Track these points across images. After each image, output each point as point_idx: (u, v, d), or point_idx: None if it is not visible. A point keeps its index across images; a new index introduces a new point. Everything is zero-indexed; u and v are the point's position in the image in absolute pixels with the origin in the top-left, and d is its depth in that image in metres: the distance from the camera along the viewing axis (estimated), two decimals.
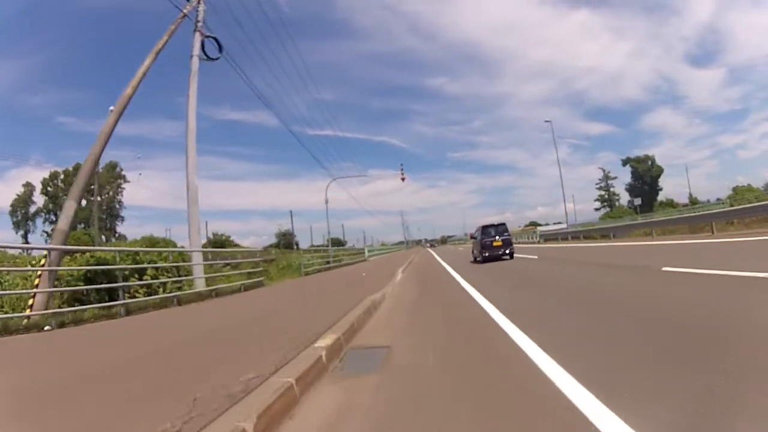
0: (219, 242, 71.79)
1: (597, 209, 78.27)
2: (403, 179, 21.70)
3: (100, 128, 9.22)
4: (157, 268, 8.75)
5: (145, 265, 8.57)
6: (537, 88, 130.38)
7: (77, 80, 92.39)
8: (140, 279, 8.36)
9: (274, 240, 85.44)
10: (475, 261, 17.03)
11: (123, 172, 72.33)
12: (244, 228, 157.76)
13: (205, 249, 19.03)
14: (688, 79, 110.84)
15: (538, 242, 35.97)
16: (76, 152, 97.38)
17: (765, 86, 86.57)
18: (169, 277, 9.01)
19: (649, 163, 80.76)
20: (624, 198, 79.79)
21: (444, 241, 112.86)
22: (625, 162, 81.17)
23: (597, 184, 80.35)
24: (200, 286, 9.40)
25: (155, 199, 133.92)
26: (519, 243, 41.15)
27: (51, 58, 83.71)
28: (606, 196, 78.97)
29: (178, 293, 8.63)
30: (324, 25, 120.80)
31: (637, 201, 62.42)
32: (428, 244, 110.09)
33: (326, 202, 21.87)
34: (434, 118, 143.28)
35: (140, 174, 74.65)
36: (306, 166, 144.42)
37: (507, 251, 15.74)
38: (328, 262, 20.64)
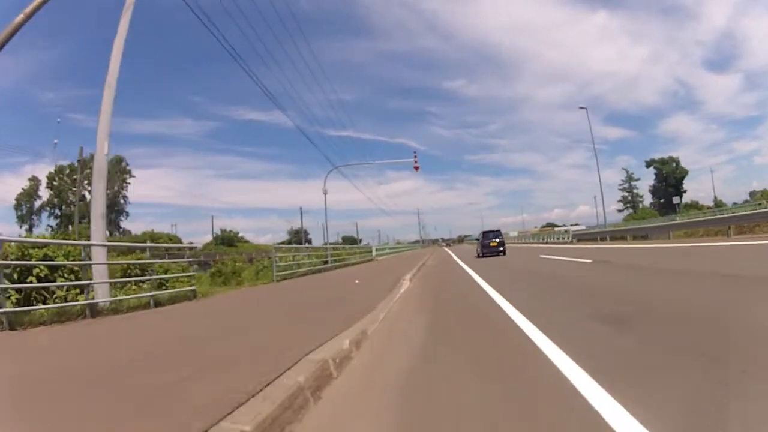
0: (227, 239, 69.80)
1: (620, 211, 74.31)
2: (416, 168, 18.83)
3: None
4: (52, 267, 5.98)
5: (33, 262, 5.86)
6: (554, 91, 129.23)
7: (87, 76, 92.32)
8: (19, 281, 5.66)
9: (288, 237, 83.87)
10: (478, 256, 21.12)
11: (128, 167, 70.98)
12: (260, 226, 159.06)
13: (112, 243, 15.56)
14: (705, 84, 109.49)
15: (571, 242, 32.33)
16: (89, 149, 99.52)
17: None
18: (69, 280, 6.22)
19: (674, 164, 76.89)
20: (647, 200, 75.93)
21: (461, 240, 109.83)
22: (649, 163, 77.41)
23: (620, 185, 76.40)
24: (102, 295, 6.50)
25: (173, 197, 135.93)
26: (549, 243, 38.12)
27: (63, 53, 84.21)
28: (629, 198, 74.94)
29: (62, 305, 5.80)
30: (342, 22, 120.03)
31: (676, 199, 58.61)
32: (444, 243, 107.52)
33: (324, 193, 18.92)
34: (451, 121, 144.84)
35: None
36: (323, 165, 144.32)
37: (501, 249, 20.83)
38: (325, 262, 17.60)
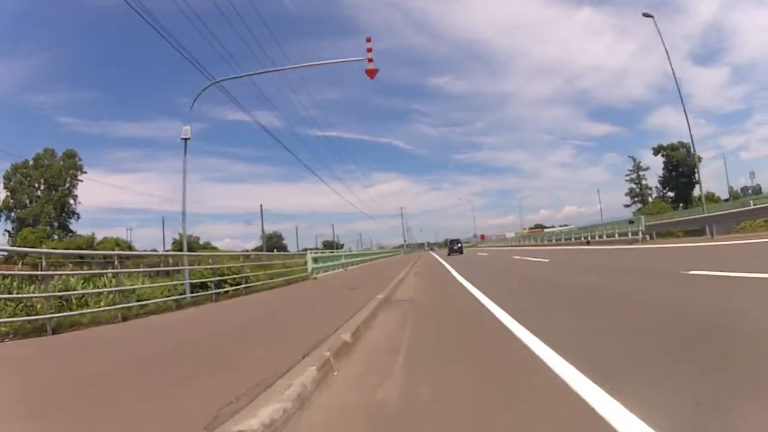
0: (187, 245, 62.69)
1: (627, 205, 67.39)
2: (371, 71, 12.00)
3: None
4: None
5: None
6: (541, 86, 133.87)
7: (79, 80, 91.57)
8: None
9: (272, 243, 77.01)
10: (448, 255, 37.04)
11: (81, 162, 63.30)
12: (245, 231, 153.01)
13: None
14: (692, 77, 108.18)
15: (642, 240, 22.95)
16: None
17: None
18: None
19: (684, 151, 69.82)
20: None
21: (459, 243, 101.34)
22: (656, 150, 70.25)
23: (627, 175, 69.46)
24: None
25: (157, 203, 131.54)
26: (565, 244, 29.26)
27: (53, 57, 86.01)
28: (637, 190, 67.91)
29: None
30: (329, 22, 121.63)
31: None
32: (429, 248, 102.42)
33: (185, 138, 10.66)
34: (438, 119, 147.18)
35: None
36: (307, 168, 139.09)
37: (461, 250, 40.33)
38: (182, 294, 9.17)
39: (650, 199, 63.97)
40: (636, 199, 66.82)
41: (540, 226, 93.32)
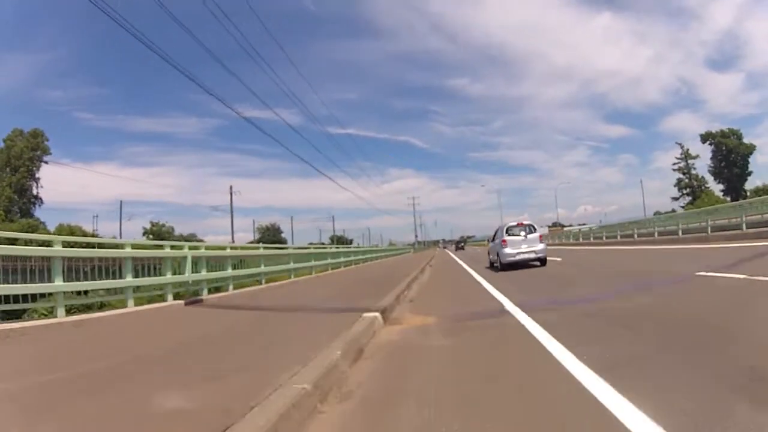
0: (158, 234, 55.30)
1: (675, 198, 57.95)
2: None
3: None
4: None
5: None
6: (558, 90, 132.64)
7: (95, 76, 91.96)
8: None
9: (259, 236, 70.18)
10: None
11: (47, 142, 56.23)
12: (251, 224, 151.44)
13: None
14: (708, 83, 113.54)
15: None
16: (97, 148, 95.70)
17: None
18: None
19: (735, 138, 60.13)
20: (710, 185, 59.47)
21: (464, 241, 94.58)
22: (705, 137, 60.65)
23: (674, 164, 59.93)
24: None
25: (174, 195, 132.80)
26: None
27: (68, 52, 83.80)
28: (686, 181, 58.31)
29: None
30: (348, 23, 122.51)
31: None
32: (442, 245, 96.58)
33: None
34: (455, 119, 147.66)
35: None
36: (325, 164, 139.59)
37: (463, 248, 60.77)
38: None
39: (705, 190, 54.18)
40: (685, 191, 57.22)
41: (558, 225, 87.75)
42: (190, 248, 8.34)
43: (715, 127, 64.20)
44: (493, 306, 6.02)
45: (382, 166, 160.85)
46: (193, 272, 8.31)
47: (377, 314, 4.95)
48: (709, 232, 17.79)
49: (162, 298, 7.79)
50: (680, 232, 19.90)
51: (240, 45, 40.95)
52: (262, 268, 10.92)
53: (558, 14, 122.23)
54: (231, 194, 45.46)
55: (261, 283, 10.97)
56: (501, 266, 12.61)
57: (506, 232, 12.89)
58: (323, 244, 58.59)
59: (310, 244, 53.81)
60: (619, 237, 26.92)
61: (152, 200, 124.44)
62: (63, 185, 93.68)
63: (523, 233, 12.81)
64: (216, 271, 9.89)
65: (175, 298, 8.02)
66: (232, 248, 10.03)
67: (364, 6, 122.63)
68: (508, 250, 12.44)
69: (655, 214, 58.46)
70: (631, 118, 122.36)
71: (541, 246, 12.66)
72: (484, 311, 5.66)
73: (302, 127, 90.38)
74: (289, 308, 6.88)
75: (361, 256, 23.40)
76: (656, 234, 22.63)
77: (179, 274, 7.97)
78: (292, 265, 13.00)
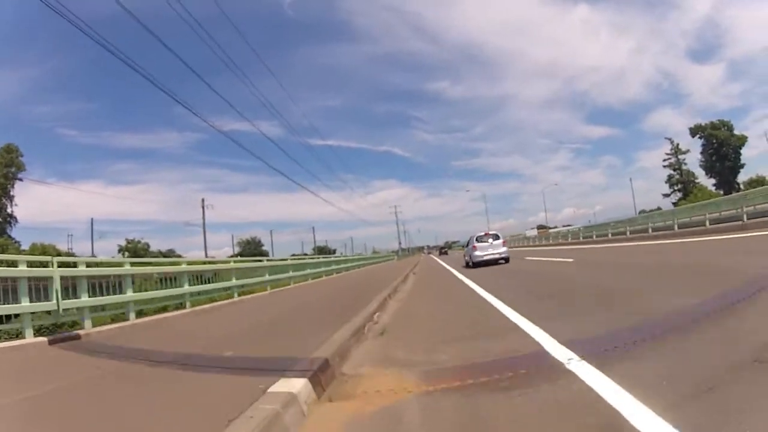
0: (133, 252, 53.04)
1: (666, 195, 56.71)
2: None
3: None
4: None
5: None
6: (539, 89, 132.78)
7: (78, 91, 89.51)
8: None
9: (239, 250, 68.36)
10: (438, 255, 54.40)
11: (21, 158, 53.85)
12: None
13: None
14: (690, 75, 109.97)
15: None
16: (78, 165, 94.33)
17: (764, 81, 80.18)
18: None
19: (726, 130, 59.01)
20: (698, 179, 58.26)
21: (448, 246, 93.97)
22: (694, 131, 59.51)
23: (665, 159, 58.82)
24: None
25: (158, 213, 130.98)
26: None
27: (51, 68, 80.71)
28: (677, 177, 57.10)
29: None
30: (326, 27, 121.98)
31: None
32: (426, 251, 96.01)
33: None
34: (436, 126, 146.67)
35: None
36: (307, 177, 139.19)
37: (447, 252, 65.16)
38: None
39: (695, 186, 52.98)
40: (676, 187, 55.99)
41: (543, 227, 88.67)
42: (60, 265, 6.41)
43: (697, 123, 63.72)
44: (524, 345, 3.39)
45: (364, 178, 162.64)
46: (70, 297, 6.43)
47: (303, 382, 2.72)
48: (708, 225, 17.12)
49: (18, 334, 5.89)
50: (676, 227, 19.57)
51: (218, 56, 39.69)
52: (186, 288, 8.99)
53: (535, 9, 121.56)
54: (203, 208, 43.30)
55: (185, 307, 9.03)
56: (473, 264, 16.45)
57: (476, 240, 17.00)
58: (305, 254, 56.74)
59: (293, 255, 51.98)
60: (610, 235, 26.19)
61: (137, 218, 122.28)
62: (45, 204, 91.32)
63: (490, 240, 16.85)
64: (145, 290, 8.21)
65: (45, 333, 6.14)
66: (132, 264, 8.04)
67: (341, 9, 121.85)
68: (477, 253, 16.40)
69: (640, 212, 57.23)
70: (613, 117, 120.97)
71: (504, 249, 16.55)
72: (510, 358, 3.12)
73: (283, 139, 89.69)
74: (168, 360, 4.70)
75: (334, 267, 21.51)
76: (650, 230, 21.64)
77: (44, 300, 6.07)
78: (234, 282, 11.11)
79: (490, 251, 16.33)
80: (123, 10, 10.34)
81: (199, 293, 9.62)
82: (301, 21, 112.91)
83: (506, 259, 16.16)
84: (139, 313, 7.94)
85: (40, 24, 71.81)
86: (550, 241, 37.74)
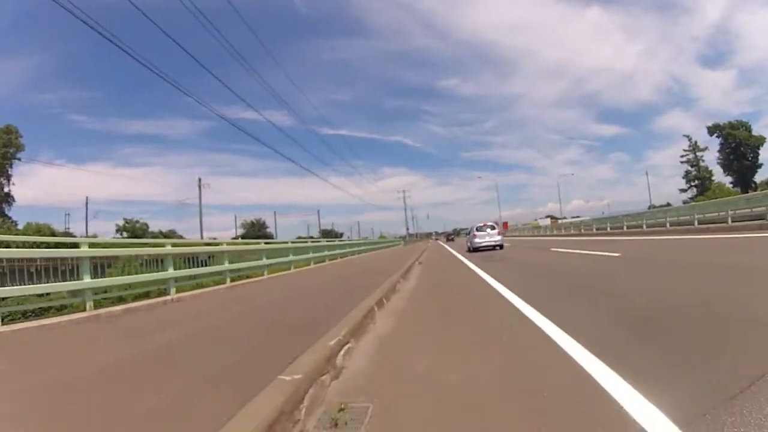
0: (133, 232, 52.10)
1: (683, 190, 55.22)
2: None
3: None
4: None
5: None
6: (549, 88, 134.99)
7: (88, 78, 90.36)
8: None
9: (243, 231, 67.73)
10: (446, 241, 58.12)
11: (20, 139, 52.80)
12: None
13: None
14: (700, 80, 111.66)
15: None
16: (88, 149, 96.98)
17: None
18: None
19: (744, 130, 57.40)
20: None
21: (456, 233, 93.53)
22: (712, 130, 58.04)
23: (682, 156, 57.29)
24: None
25: (165, 195, 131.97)
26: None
27: (61, 55, 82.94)
28: (694, 173, 55.59)
29: None
30: (339, 23, 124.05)
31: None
32: (435, 237, 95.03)
33: None
34: (447, 119, 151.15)
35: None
36: (317, 164, 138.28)
37: (453, 239, 63.31)
38: None
39: (712, 183, 51.47)
40: (693, 183, 54.49)
41: (552, 217, 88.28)
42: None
43: (715, 122, 61.81)
44: None
45: (374, 165, 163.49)
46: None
47: None
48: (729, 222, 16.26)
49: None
50: (696, 222, 18.75)
51: (227, 50, 38.76)
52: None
53: (546, 10, 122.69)
54: (200, 187, 41.98)
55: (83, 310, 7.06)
56: (472, 249, 19.72)
57: (476, 230, 20.71)
58: (312, 237, 55.69)
59: (299, 237, 51.07)
60: (625, 228, 25.33)
61: (141, 199, 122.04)
62: (45, 184, 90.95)
63: (487, 230, 20.40)
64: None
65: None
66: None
67: (354, 6, 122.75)
68: (476, 240, 19.94)
69: (649, 208, 55.87)
70: (624, 117, 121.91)
71: (498, 237, 19.97)
72: None
73: (294, 128, 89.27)
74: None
75: (327, 252, 20.23)
76: (668, 224, 20.93)
77: None
78: (171, 273, 9.13)
79: (487, 239, 19.83)
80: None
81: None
82: (312, 17, 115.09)
83: (501, 246, 19.40)
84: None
85: (49, 11, 70.88)
86: (563, 232, 36.77)
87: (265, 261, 12.59)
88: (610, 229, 27.75)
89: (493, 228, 20.44)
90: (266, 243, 14.47)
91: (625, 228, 25.45)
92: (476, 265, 11.78)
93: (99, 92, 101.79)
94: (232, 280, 10.24)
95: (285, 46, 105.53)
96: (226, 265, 10.14)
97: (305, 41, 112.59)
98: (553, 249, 15.26)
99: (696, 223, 18.71)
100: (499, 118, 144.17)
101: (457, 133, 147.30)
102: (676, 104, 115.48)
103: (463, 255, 17.63)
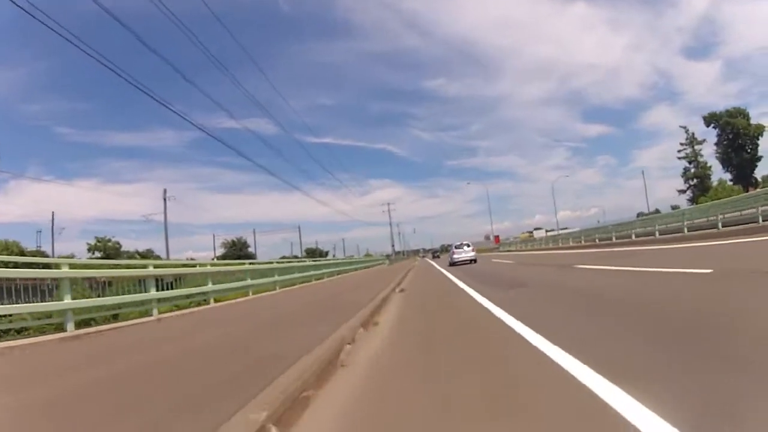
0: (104, 251, 48.79)
1: (681, 191, 52.51)
2: None
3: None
4: None
5: None
6: (535, 87, 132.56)
7: (76, 90, 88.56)
8: None
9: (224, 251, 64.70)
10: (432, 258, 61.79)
11: None
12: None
13: None
14: (685, 73, 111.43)
15: None
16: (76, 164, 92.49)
17: (761, 80, 75.85)
18: None
19: (743, 118, 54.11)
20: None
21: (445, 250, 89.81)
22: (709, 120, 54.88)
23: (679, 151, 54.55)
24: None
25: (146, 211, 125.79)
26: None
27: (49, 66, 80.00)
28: (693, 170, 52.84)
29: None
30: (322, 24, 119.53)
31: None
32: (422, 254, 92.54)
33: None
34: (432, 123, 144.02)
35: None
36: (302, 177, 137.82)
37: (439, 256, 67.18)
38: None
39: (713, 182, 48.91)
40: (692, 182, 51.78)
41: (539, 230, 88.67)
42: None
43: (693, 121, 59.86)
44: None
45: (360, 177, 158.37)
46: None
47: None
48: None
49: None
50: (686, 229, 18.15)
51: (207, 56, 36.52)
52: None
53: (530, 6, 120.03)
54: (165, 200, 38.42)
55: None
56: (451, 263, 24.81)
57: (455, 247, 26.81)
58: (297, 257, 52.88)
59: (283, 257, 48.40)
60: (614, 239, 25.17)
61: (129, 218, 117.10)
62: (19, 201, 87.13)
63: (464, 247, 25.92)
64: None
65: None
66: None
67: (338, 5, 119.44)
68: (455, 256, 25.39)
69: (638, 215, 53.04)
70: (609, 115, 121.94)
71: (473, 254, 25.47)
72: None
73: (278, 137, 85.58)
74: None
75: (299, 274, 17.52)
76: (657, 233, 20.19)
77: None
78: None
79: (464, 255, 25.02)
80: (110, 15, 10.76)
81: None
82: (295, 17, 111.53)
83: (474, 260, 24.39)
84: None
85: (35, 23, 67.35)
86: (560, 244, 35.06)
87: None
88: (598, 241, 27.54)
89: (468, 246, 26.00)
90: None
91: (614, 239, 25.20)
92: (501, 307, 5.51)
93: (84, 105, 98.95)
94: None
95: (267, 47, 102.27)
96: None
97: (288, 42, 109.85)
98: (577, 266, 11.04)
99: (686, 230, 18.03)
100: (484, 121, 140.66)
101: (443, 138, 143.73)
102: (662, 99, 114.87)
103: (464, 282, 10.27)
